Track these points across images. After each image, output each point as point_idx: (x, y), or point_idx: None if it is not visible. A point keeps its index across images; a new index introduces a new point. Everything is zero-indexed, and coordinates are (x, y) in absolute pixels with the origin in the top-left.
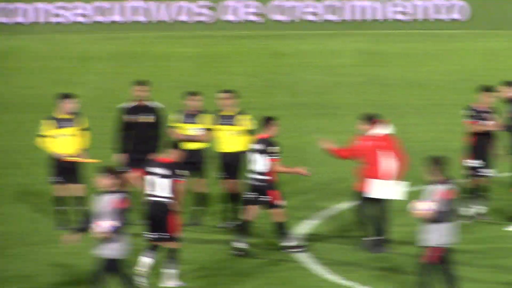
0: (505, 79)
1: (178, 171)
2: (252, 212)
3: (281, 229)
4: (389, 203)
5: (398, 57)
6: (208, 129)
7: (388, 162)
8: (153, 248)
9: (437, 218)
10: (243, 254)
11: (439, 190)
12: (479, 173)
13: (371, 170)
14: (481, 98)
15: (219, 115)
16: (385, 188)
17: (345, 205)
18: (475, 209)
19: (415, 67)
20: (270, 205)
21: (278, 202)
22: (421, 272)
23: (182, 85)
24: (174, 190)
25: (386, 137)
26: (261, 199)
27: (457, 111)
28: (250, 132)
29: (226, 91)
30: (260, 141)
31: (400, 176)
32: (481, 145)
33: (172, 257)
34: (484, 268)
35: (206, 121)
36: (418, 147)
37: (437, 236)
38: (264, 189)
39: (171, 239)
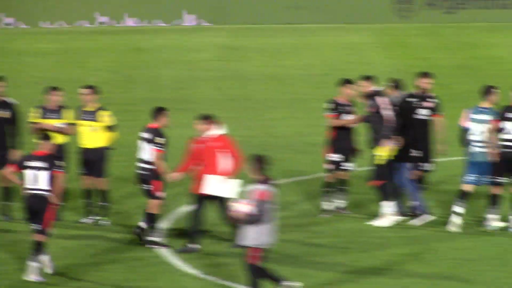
0: (364, 72)
1: (56, 163)
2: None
3: (151, 221)
4: (225, 201)
5: (257, 51)
6: (70, 124)
7: (224, 162)
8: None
9: (253, 219)
10: (159, 246)
11: (258, 190)
12: (339, 167)
13: (208, 169)
14: (342, 91)
15: (80, 110)
16: (221, 186)
17: None
18: (336, 203)
19: (274, 62)
20: (150, 195)
21: (158, 193)
22: (249, 272)
23: (42, 80)
24: (52, 182)
25: (221, 137)
26: (144, 188)
27: (317, 105)
28: (110, 128)
29: (86, 87)
30: (148, 130)
31: (235, 175)
32: (341, 139)
33: (37, 250)
34: (339, 262)
35: (68, 116)
36: (279, 141)
37: (255, 236)
38: (147, 178)
39: (41, 232)
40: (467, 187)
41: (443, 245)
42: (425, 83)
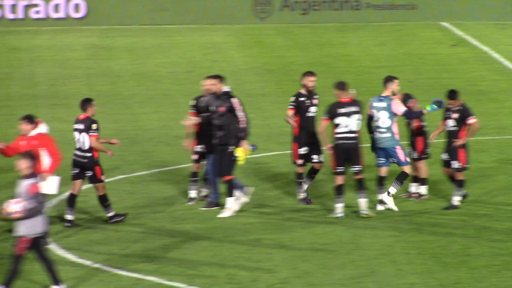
0: (225, 69)
1: None
2: (77, 187)
3: (104, 202)
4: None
5: (125, 50)
6: None
7: (45, 159)
8: None
9: (31, 213)
10: (71, 225)
11: (31, 184)
12: (200, 158)
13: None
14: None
15: None
16: (45, 183)
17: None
18: (202, 191)
19: (142, 60)
20: (95, 180)
21: (100, 177)
22: (13, 262)
23: None
24: None
25: (40, 136)
26: (85, 174)
27: (181, 100)
28: None
29: None
30: (81, 121)
31: (54, 172)
32: (203, 132)
33: None
34: (204, 246)
35: None
36: (146, 134)
37: (26, 227)
38: (87, 165)
39: None
40: (381, 171)
41: (303, 231)
42: (311, 81)
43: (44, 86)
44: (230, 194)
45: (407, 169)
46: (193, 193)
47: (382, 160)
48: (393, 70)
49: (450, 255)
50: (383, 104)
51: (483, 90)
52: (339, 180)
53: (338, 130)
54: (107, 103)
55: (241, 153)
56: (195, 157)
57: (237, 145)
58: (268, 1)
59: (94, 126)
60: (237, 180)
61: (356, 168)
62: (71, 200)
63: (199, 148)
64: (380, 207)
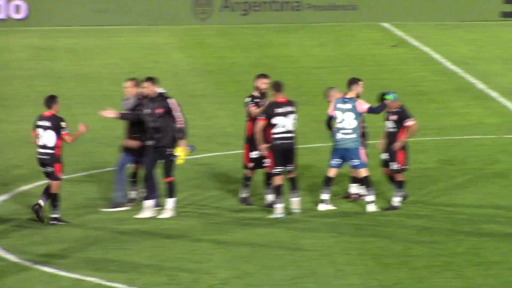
0: (166, 70)
1: None
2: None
3: (54, 201)
4: None
5: (67, 51)
6: None
7: None
8: None
9: None
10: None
11: None
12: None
13: None
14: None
15: None
16: None
17: (20, 189)
18: (136, 193)
19: (83, 61)
20: (53, 177)
21: (59, 175)
22: None
23: None
24: None
25: None
26: (47, 171)
27: (121, 101)
28: None
29: None
30: (46, 118)
31: None
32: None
33: None
34: (144, 247)
35: None
36: (87, 135)
37: None
38: (50, 162)
39: None
40: (331, 172)
41: (243, 231)
42: (264, 83)
43: None
44: (170, 195)
45: (365, 171)
46: (133, 194)
47: (339, 161)
48: (333, 70)
49: (391, 255)
50: (348, 106)
51: (423, 90)
52: (278, 180)
53: (276, 130)
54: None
55: (180, 153)
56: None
57: (175, 146)
58: (208, 2)
59: (63, 124)
60: (156, 193)
61: (291, 167)
62: (54, 198)
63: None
64: (322, 207)
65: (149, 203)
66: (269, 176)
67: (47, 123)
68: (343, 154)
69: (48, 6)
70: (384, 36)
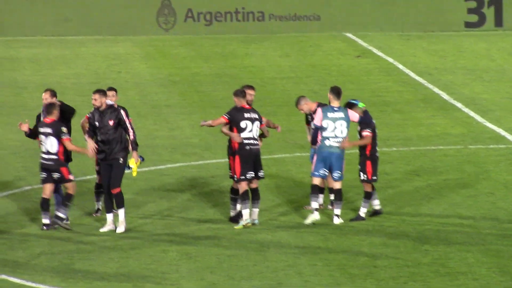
0: (129, 81)
1: None
2: (47, 190)
3: (68, 201)
4: None
5: (30, 61)
6: None
7: None
8: None
9: None
10: (48, 228)
11: None
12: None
13: None
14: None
15: None
16: None
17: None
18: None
19: (46, 71)
20: (64, 180)
21: (69, 176)
22: None
23: None
24: None
25: None
26: (53, 176)
27: (85, 111)
28: None
29: None
30: (48, 125)
31: None
32: None
33: None
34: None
35: None
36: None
37: None
38: (56, 167)
39: None
40: (317, 181)
41: (210, 242)
42: (250, 94)
43: None
44: (119, 206)
45: (340, 184)
46: (99, 204)
47: (326, 170)
48: (297, 81)
49: (357, 266)
50: (341, 114)
51: (388, 101)
52: (245, 186)
53: (245, 135)
54: (11, 114)
55: (133, 165)
56: (98, 168)
57: (126, 157)
58: (172, 12)
59: (64, 129)
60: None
61: (261, 173)
62: (44, 204)
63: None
64: (314, 217)
65: (109, 216)
66: (233, 187)
67: (48, 130)
68: (330, 163)
69: (11, 16)
70: (348, 46)
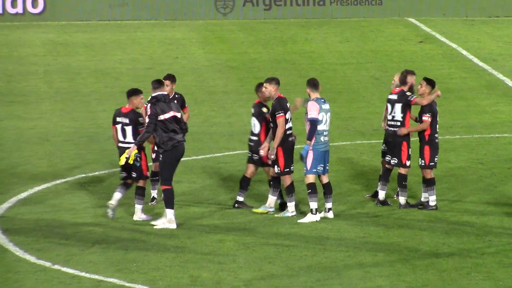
0: (185, 66)
1: None
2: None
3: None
4: None
5: (84, 47)
6: None
7: None
8: None
9: None
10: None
11: None
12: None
13: None
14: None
15: None
16: None
17: (38, 188)
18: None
19: (101, 56)
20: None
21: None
22: None
23: None
24: None
25: None
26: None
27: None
28: None
29: None
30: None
31: None
32: None
33: None
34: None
35: None
36: (105, 133)
37: None
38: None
39: None
40: (313, 178)
41: (267, 231)
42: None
43: (0, 83)
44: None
45: (327, 177)
46: (155, 193)
47: (322, 167)
48: (358, 67)
49: (418, 257)
50: (328, 106)
51: (450, 88)
52: (290, 179)
53: (288, 125)
54: (66, 100)
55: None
56: (154, 156)
57: (164, 153)
58: None
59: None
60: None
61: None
62: (243, 182)
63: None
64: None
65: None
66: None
67: (125, 120)
68: (325, 158)
69: (65, 0)
70: (410, 32)
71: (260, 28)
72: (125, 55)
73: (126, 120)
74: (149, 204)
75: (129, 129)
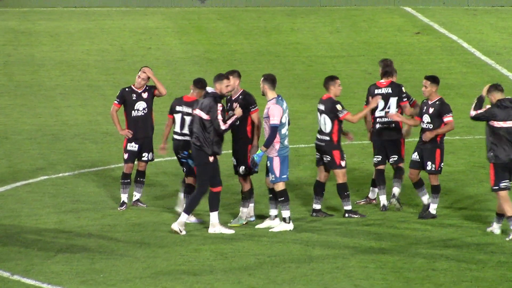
0: (159, 57)
1: None
2: (322, 174)
3: (343, 191)
4: None
5: (48, 36)
6: None
7: None
8: None
9: None
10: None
11: None
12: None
13: None
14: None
15: None
16: None
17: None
18: (135, 195)
19: (66, 47)
20: (332, 165)
21: (340, 162)
22: None
23: None
24: None
25: None
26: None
27: (111, 91)
28: None
29: None
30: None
31: None
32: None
33: None
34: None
35: None
36: (71, 130)
37: None
38: (324, 148)
39: None
40: (284, 185)
41: (248, 241)
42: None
43: None
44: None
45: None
46: (124, 197)
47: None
48: (349, 60)
49: (413, 269)
50: (286, 105)
51: (450, 83)
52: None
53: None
54: (27, 94)
55: None
56: (126, 156)
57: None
58: None
59: (339, 107)
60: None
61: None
62: (317, 188)
63: (131, 146)
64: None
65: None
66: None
67: (188, 109)
68: (287, 163)
69: None
70: (406, 22)
71: (241, 16)
72: (93, 46)
73: (189, 110)
74: (118, 209)
75: (188, 120)
